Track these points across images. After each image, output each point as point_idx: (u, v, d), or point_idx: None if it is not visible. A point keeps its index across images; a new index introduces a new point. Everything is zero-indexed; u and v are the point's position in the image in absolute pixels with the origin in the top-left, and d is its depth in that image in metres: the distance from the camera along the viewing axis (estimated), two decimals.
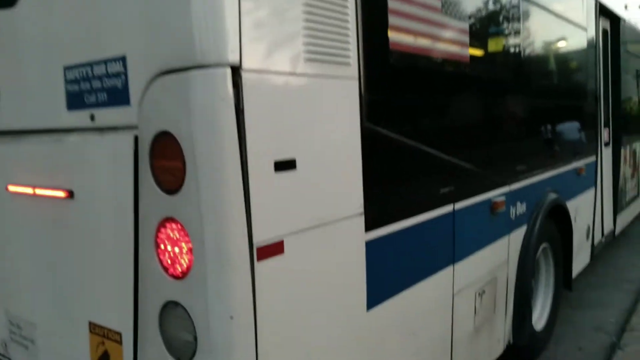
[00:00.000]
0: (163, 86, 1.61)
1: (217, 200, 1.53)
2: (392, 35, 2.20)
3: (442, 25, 2.53)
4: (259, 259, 1.61)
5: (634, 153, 6.70)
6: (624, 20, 5.98)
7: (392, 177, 2.25)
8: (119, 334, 1.84)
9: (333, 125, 1.91)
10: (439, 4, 2.49)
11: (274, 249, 1.67)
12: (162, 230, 1.65)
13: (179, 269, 1.63)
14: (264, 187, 1.63)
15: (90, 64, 1.83)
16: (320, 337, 1.90)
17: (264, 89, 1.63)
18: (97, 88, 1.83)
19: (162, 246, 1.66)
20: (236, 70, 1.53)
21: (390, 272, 2.24)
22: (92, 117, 1.86)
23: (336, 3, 1.87)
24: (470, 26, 2.77)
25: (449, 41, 2.60)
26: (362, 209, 2.03)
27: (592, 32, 4.92)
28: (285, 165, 1.69)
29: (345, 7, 1.91)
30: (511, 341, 3.48)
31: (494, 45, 3.17)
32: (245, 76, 1.55)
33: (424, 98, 2.47)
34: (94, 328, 1.94)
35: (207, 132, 1.51)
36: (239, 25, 1.53)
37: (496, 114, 3.23)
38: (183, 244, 1.60)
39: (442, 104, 2.63)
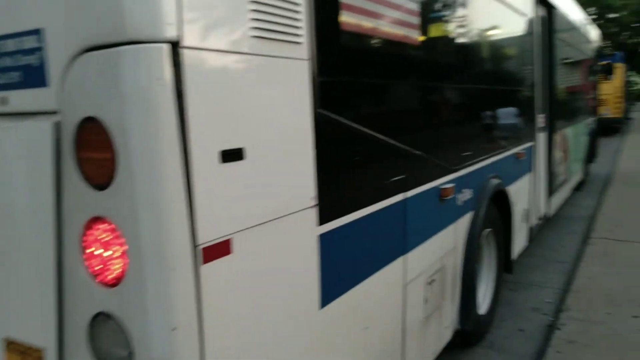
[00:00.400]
0: (88, 65, 1.38)
1: (154, 196, 1.33)
2: (346, 15, 2.04)
3: (394, 6, 2.39)
4: (204, 261, 1.43)
5: (564, 138, 6.90)
6: (558, 8, 6.09)
7: (345, 167, 2.10)
8: (41, 351, 1.60)
9: (284, 111, 1.73)
10: None
11: (221, 249, 1.49)
12: (90, 231, 1.43)
13: (111, 276, 1.42)
14: (209, 180, 1.44)
15: (1, 39, 1.57)
16: (272, 341, 1.73)
17: (208, 69, 1.43)
18: (8, 67, 1.57)
19: (90, 250, 1.44)
20: (175, 47, 1.32)
21: (344, 266, 2.11)
22: (4, 101, 1.60)
23: None
24: (420, 8, 2.65)
25: (401, 23, 2.46)
26: (315, 201, 1.88)
27: (530, 19, 4.95)
28: (232, 156, 1.50)
29: None
30: (458, 327, 3.46)
31: (442, 28, 3.07)
32: (185, 54, 1.35)
33: (377, 83, 2.33)
34: (10, 345, 1.69)
35: (142, 118, 1.31)
36: None
37: (443, 100, 3.15)
38: (115, 247, 1.39)
39: (393, 89, 2.50)
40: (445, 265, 3.15)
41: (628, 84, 31.62)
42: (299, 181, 1.81)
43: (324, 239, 1.93)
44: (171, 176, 1.33)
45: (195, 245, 1.40)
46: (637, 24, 42.91)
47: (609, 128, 19.85)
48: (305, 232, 1.86)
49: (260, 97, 1.62)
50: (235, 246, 1.53)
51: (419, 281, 2.78)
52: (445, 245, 3.15)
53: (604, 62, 11.30)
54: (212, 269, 1.45)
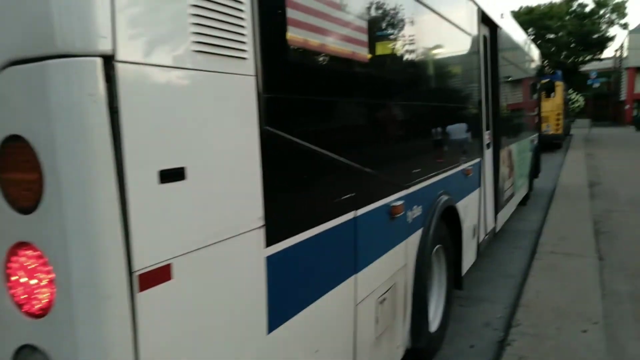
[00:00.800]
0: (13, 79, 1.29)
1: (85, 220, 1.24)
2: (292, 30, 2.00)
3: (340, 22, 2.38)
4: (141, 288, 1.34)
5: (510, 154, 7.09)
6: (501, 28, 6.28)
7: (294, 185, 2.05)
8: None
9: (229, 128, 1.67)
10: (338, 0, 2.34)
11: (160, 275, 1.40)
12: (15, 257, 1.33)
13: (38, 306, 1.31)
14: (147, 201, 1.36)
15: None
16: None
17: (145, 84, 1.36)
18: None
19: (14, 277, 1.33)
20: (109, 61, 1.25)
21: (292, 289, 2.04)
22: None
23: None
24: (368, 26, 2.65)
25: (347, 40, 2.45)
26: (262, 222, 1.82)
27: (475, 38, 5.07)
28: (172, 176, 1.43)
29: None
30: (410, 345, 3.44)
31: (390, 46, 3.09)
32: (120, 68, 1.27)
33: (325, 100, 2.30)
34: None
35: (72, 137, 1.22)
36: (111, 6, 1.25)
37: (393, 117, 3.15)
38: (42, 275, 1.29)
39: (341, 106, 2.47)
40: (396, 283, 3.13)
41: (568, 101, 33.09)
42: (245, 201, 1.75)
43: (271, 261, 1.87)
44: (104, 199, 1.25)
45: (130, 272, 1.32)
46: (574, 45, 45.13)
47: (550, 144, 20.68)
48: (251, 254, 1.79)
49: (203, 114, 1.56)
50: (176, 272, 1.45)
51: (370, 300, 2.75)
52: (396, 262, 3.13)
53: (546, 80, 11.75)
54: (150, 297, 1.37)
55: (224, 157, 1.64)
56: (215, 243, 1.60)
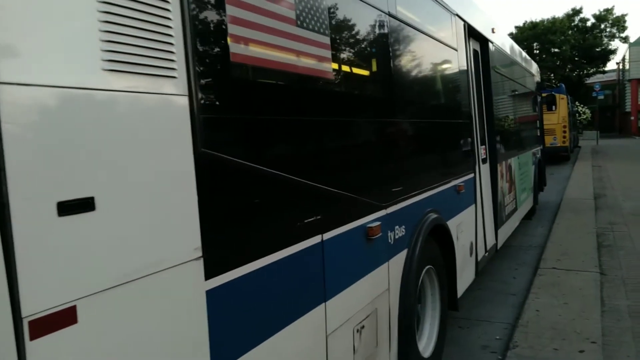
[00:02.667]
0: None
1: None
2: (234, 45, 1.83)
3: (299, 39, 2.21)
4: (32, 336, 1.16)
5: (509, 168, 6.86)
6: (492, 42, 6.11)
7: (240, 212, 1.86)
8: None
9: (155, 153, 1.49)
10: (293, 16, 2.18)
11: (60, 319, 1.22)
12: None
13: None
14: (40, 237, 1.18)
15: None
16: None
17: (36, 108, 1.19)
18: None
19: None
20: None
21: (242, 324, 1.84)
22: None
23: None
24: (333, 42, 2.48)
25: (308, 56, 2.28)
26: (199, 253, 1.63)
27: (463, 53, 4.90)
28: (76, 207, 1.25)
29: (166, 2, 1.53)
30: None
31: (361, 63, 2.92)
32: (4, 91, 1.11)
33: (279, 118, 2.11)
34: None
35: None
36: None
37: (368, 136, 2.97)
38: None
39: (302, 124, 2.27)
40: (377, 308, 2.92)
41: (575, 114, 32.70)
42: (178, 231, 1.56)
43: (213, 295, 1.68)
44: None
45: (17, 318, 1.13)
46: (578, 58, 44.86)
47: (557, 156, 20.34)
48: (187, 289, 1.60)
49: (119, 139, 1.38)
50: (83, 314, 1.27)
51: (344, 330, 2.53)
52: (377, 287, 2.92)
53: (546, 94, 11.53)
54: (45, 346, 1.18)
55: (148, 184, 1.46)
56: (137, 279, 1.42)
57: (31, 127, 1.17)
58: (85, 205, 1.28)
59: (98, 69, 1.33)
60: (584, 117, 43.98)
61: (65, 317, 1.23)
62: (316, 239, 2.29)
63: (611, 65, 49.26)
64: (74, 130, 1.27)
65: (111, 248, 1.35)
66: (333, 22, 2.51)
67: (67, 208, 1.23)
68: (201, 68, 1.67)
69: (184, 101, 1.59)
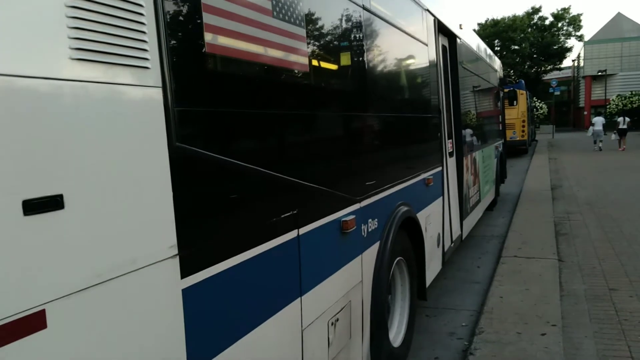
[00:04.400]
0: None
1: None
2: (209, 35, 1.73)
3: (275, 30, 2.12)
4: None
5: (474, 161, 6.91)
6: (459, 38, 6.11)
7: (216, 208, 1.76)
8: None
9: (127, 147, 1.39)
10: (269, 6, 2.08)
11: (28, 324, 1.12)
12: None
13: None
14: (4, 238, 1.07)
15: None
16: None
17: None
18: None
19: None
20: None
21: (219, 322, 1.76)
22: None
23: None
24: (309, 34, 2.40)
25: (284, 48, 2.19)
26: (175, 251, 1.54)
27: (432, 49, 4.87)
28: (43, 205, 1.15)
29: None
30: None
31: (335, 56, 2.85)
32: None
33: (254, 111, 2.02)
34: None
35: None
36: None
37: (340, 129, 2.90)
38: None
39: (276, 118, 2.18)
40: (351, 301, 2.87)
41: (533, 109, 33.38)
42: (152, 229, 1.47)
43: (189, 293, 1.59)
44: None
45: None
46: (536, 55, 45.79)
47: (516, 150, 20.73)
48: (162, 288, 1.50)
49: (89, 133, 1.28)
50: (53, 318, 1.17)
51: (319, 323, 2.48)
52: (351, 280, 2.87)
53: (508, 90, 11.68)
54: (13, 353, 1.08)
55: (120, 180, 1.36)
56: (110, 279, 1.32)
57: None
58: (53, 203, 1.17)
59: (66, 57, 1.22)
60: (541, 112, 44.98)
61: (34, 322, 1.12)
62: (292, 234, 2.21)
63: (567, 62, 50.51)
64: (40, 123, 1.16)
65: (82, 248, 1.25)
66: (308, 13, 2.42)
67: (33, 206, 1.13)
68: (175, 59, 1.56)
69: (158, 93, 1.49)
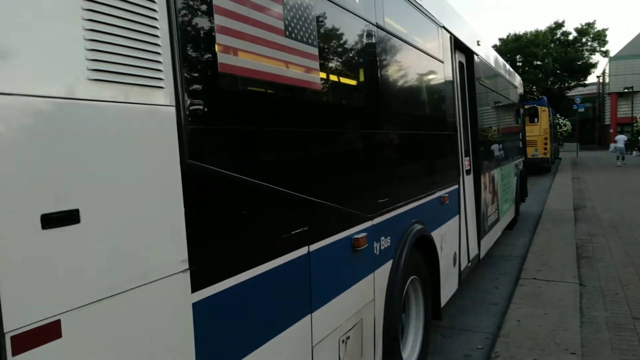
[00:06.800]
0: None
1: None
2: (222, 55, 1.81)
3: (287, 49, 2.20)
4: (15, 352, 1.13)
5: (492, 179, 6.91)
6: (477, 54, 6.16)
7: (227, 223, 1.83)
8: None
9: (141, 164, 1.47)
10: (282, 26, 2.17)
11: (44, 334, 1.19)
12: None
13: None
14: (23, 250, 1.15)
15: None
16: None
17: (19, 118, 1.16)
18: None
19: None
20: None
21: (228, 336, 1.81)
22: None
23: (137, 4, 1.46)
24: (322, 52, 2.48)
25: (296, 67, 2.27)
26: (186, 265, 1.60)
27: (448, 65, 4.93)
28: (60, 219, 1.22)
29: (153, 11, 1.51)
30: None
31: (348, 74, 2.92)
32: None
33: (266, 129, 2.09)
34: None
35: None
36: None
37: (354, 147, 2.96)
38: None
39: (287, 136, 2.25)
40: (363, 319, 2.90)
41: (556, 126, 33.11)
42: (164, 243, 1.54)
43: (199, 307, 1.65)
44: None
45: (1, 334, 1.10)
46: (559, 71, 45.50)
47: (539, 168, 20.56)
48: (173, 302, 1.57)
49: (105, 150, 1.36)
50: (67, 328, 1.24)
51: (330, 341, 2.52)
52: (362, 297, 2.91)
53: (529, 106, 11.65)
54: None
55: (134, 196, 1.44)
56: (123, 292, 1.39)
57: (14, 138, 1.14)
58: (70, 217, 1.25)
59: (83, 78, 1.31)
60: (565, 129, 44.56)
61: (49, 332, 1.19)
62: (303, 250, 2.27)
63: (592, 78, 50.10)
64: (59, 141, 1.24)
65: (96, 261, 1.32)
66: (321, 32, 2.50)
67: (51, 220, 1.20)
68: (188, 78, 1.65)
69: (171, 112, 1.57)
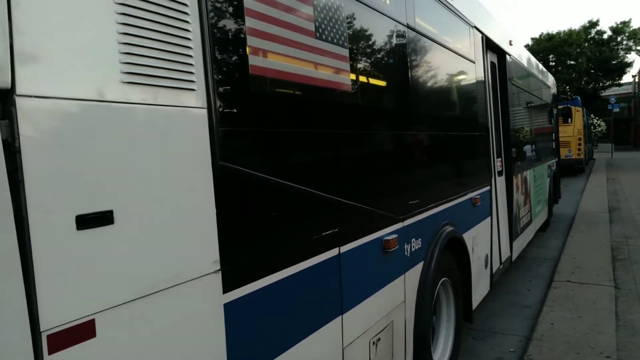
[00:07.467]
0: None
1: None
2: (253, 57, 1.81)
3: (318, 51, 2.18)
4: (51, 350, 1.14)
5: (525, 181, 6.75)
6: (509, 54, 6.03)
7: (258, 225, 1.82)
8: None
9: (173, 166, 1.47)
10: (312, 28, 2.15)
11: (79, 333, 1.19)
12: None
13: None
14: (59, 251, 1.16)
15: None
16: None
17: (55, 121, 1.17)
18: None
19: None
20: (6, 96, 1.07)
21: (260, 338, 1.80)
22: None
23: (170, 7, 1.46)
24: (352, 54, 2.45)
25: (327, 68, 2.25)
26: (217, 266, 1.60)
27: (480, 66, 4.83)
28: (94, 220, 1.23)
29: (185, 14, 1.51)
30: None
31: (379, 75, 2.88)
32: (21, 104, 1.09)
33: (296, 131, 2.08)
34: None
35: None
36: (9, 30, 1.08)
37: (385, 148, 2.92)
38: None
39: (318, 137, 2.23)
40: (393, 321, 2.86)
41: (591, 126, 32.24)
42: (196, 244, 1.54)
43: (231, 308, 1.65)
44: None
45: (36, 332, 1.11)
46: (593, 70, 44.33)
47: (572, 169, 20.05)
48: (205, 303, 1.57)
49: (138, 152, 1.36)
50: (101, 327, 1.24)
51: (361, 342, 2.48)
52: (393, 299, 2.87)
53: (562, 106, 11.37)
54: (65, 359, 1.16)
55: (167, 197, 1.44)
56: (156, 292, 1.39)
57: (50, 140, 1.15)
58: (104, 218, 1.25)
59: (117, 81, 1.31)
60: (599, 129, 43.35)
61: (84, 331, 1.20)
62: (334, 252, 2.25)
63: (627, 78, 48.57)
64: (93, 143, 1.25)
65: (130, 261, 1.33)
66: (352, 34, 2.48)
67: (86, 221, 1.21)
68: (220, 80, 1.64)
69: (203, 114, 1.57)
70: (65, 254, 1.17)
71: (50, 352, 1.13)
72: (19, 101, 1.08)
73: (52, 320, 1.14)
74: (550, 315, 4.83)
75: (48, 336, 1.13)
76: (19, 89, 1.08)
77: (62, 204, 1.17)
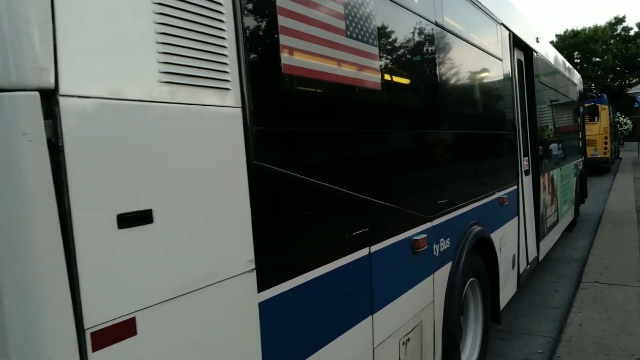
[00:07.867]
0: None
1: (21, 274, 1.06)
2: (286, 57, 1.80)
3: (349, 49, 2.16)
4: (95, 348, 1.14)
5: (552, 180, 6.63)
6: (536, 52, 5.93)
7: (292, 224, 1.81)
8: None
9: (209, 165, 1.47)
10: (343, 26, 2.13)
11: (120, 330, 1.20)
12: None
13: None
14: (102, 249, 1.17)
15: None
16: None
17: (97, 120, 1.17)
18: None
19: None
20: (50, 96, 1.08)
21: (293, 336, 1.80)
22: None
23: (206, 7, 1.46)
24: (382, 52, 2.43)
25: (357, 67, 2.23)
26: (252, 265, 1.59)
27: (507, 63, 4.76)
28: (135, 219, 1.23)
29: (220, 13, 1.50)
30: None
31: (408, 73, 2.86)
32: (64, 103, 1.09)
33: (329, 130, 2.06)
34: None
35: (2, 181, 1.04)
36: (53, 33, 1.08)
37: (414, 147, 2.89)
38: None
39: (350, 136, 2.22)
40: (422, 321, 2.83)
41: (617, 125, 31.57)
42: (232, 243, 1.54)
43: (265, 307, 1.64)
44: (43, 248, 1.06)
45: (80, 330, 1.12)
46: (619, 68, 43.41)
47: (598, 168, 19.65)
48: (240, 301, 1.56)
49: (176, 151, 1.36)
50: (142, 326, 1.25)
51: (391, 342, 2.46)
52: (422, 299, 2.84)
53: (589, 104, 11.15)
54: (107, 357, 1.16)
55: (203, 196, 1.44)
56: (193, 291, 1.39)
57: (92, 140, 1.16)
58: (144, 217, 1.26)
59: (155, 80, 1.31)
60: (625, 128, 42.43)
61: (126, 329, 1.21)
62: (364, 252, 2.23)
63: None
64: (133, 143, 1.25)
65: (168, 260, 1.33)
66: (381, 32, 2.45)
67: (126, 220, 1.21)
68: (253, 79, 1.63)
69: (237, 113, 1.57)
70: (107, 253, 1.18)
71: (94, 350, 1.14)
72: (62, 101, 1.09)
73: (95, 318, 1.14)
74: (579, 317, 4.74)
75: (92, 334, 1.13)
76: (62, 89, 1.09)
77: (104, 203, 1.17)
